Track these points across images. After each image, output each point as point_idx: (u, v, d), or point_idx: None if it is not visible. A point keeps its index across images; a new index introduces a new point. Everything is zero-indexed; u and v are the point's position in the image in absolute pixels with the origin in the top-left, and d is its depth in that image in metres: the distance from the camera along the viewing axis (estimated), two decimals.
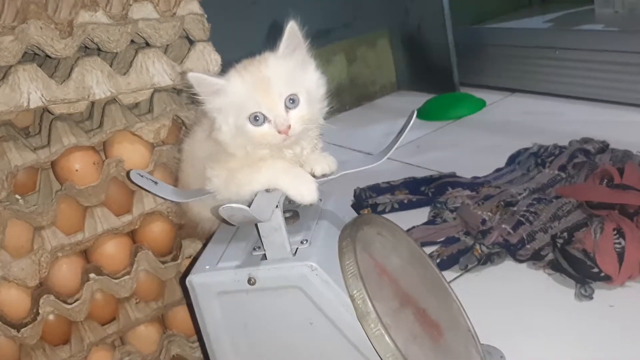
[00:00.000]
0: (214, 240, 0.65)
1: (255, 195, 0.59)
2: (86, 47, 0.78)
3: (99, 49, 0.76)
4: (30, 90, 0.68)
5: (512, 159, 1.34)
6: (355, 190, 1.33)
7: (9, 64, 0.68)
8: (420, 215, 1.21)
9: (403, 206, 1.25)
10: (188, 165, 0.70)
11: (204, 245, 0.66)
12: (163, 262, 0.81)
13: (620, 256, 0.86)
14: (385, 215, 1.24)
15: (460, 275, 0.99)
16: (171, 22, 0.76)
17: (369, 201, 1.27)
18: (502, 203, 1.12)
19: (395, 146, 0.64)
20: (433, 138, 1.66)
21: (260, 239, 0.59)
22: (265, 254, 0.59)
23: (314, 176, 0.62)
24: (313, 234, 0.62)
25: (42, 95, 0.69)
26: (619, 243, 0.87)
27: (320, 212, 0.67)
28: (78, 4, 0.70)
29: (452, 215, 1.14)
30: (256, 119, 0.59)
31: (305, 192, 0.59)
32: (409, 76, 2.10)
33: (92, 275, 0.77)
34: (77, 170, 0.74)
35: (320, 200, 0.70)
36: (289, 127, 0.59)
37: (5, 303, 0.73)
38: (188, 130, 0.73)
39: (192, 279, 0.60)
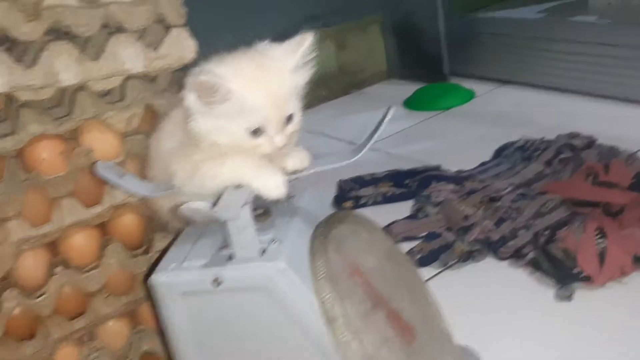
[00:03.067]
0: (182, 238, 0.63)
1: (224, 192, 0.56)
2: (57, 30, 0.75)
3: (69, 33, 0.73)
4: None
5: (499, 153, 1.32)
6: (338, 183, 1.31)
7: None
8: (404, 208, 1.19)
9: (386, 199, 1.23)
10: (155, 160, 0.67)
11: (172, 242, 0.63)
12: (134, 256, 0.79)
13: (602, 257, 0.84)
14: (368, 208, 1.23)
15: (441, 271, 0.97)
16: (144, 6, 0.73)
17: (351, 193, 1.25)
18: (486, 198, 1.10)
19: (370, 143, 0.61)
20: (420, 128, 1.64)
21: (228, 238, 0.57)
22: (232, 253, 0.57)
23: (285, 172, 0.60)
24: (284, 233, 0.60)
25: (7, 81, 0.66)
26: (601, 243, 0.85)
27: (293, 210, 0.65)
28: None
29: (434, 209, 1.12)
30: (256, 132, 0.56)
31: (271, 185, 0.57)
32: (399, 64, 2.08)
33: (58, 268, 0.74)
34: (44, 160, 0.71)
35: (294, 196, 0.67)
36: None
37: None
38: (160, 120, 0.71)
39: (156, 279, 0.58)
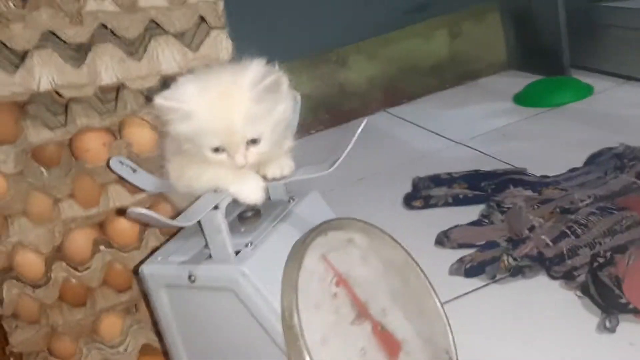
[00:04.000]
0: (182, 233, 0.67)
1: (198, 197, 0.59)
2: (107, 32, 0.82)
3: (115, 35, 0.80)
4: (42, 74, 0.74)
5: (592, 159, 1.21)
6: (413, 179, 1.28)
7: (25, 49, 0.74)
8: (475, 212, 1.14)
9: (458, 201, 1.18)
10: (163, 157, 0.72)
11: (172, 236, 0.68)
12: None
13: None
14: (437, 209, 1.19)
15: (486, 285, 0.92)
16: (181, 10, 0.78)
17: (423, 192, 1.22)
18: (558, 209, 1.02)
19: (343, 156, 0.60)
20: (523, 126, 1.54)
21: (205, 238, 0.60)
22: (211, 253, 0.60)
23: (265, 179, 0.61)
24: (264, 237, 0.61)
25: (53, 79, 0.74)
26: None
27: (285, 214, 0.66)
28: None
29: (501, 216, 1.06)
30: (216, 150, 0.59)
31: (247, 191, 0.59)
32: (519, 55, 1.95)
33: (102, 247, 0.83)
34: (87, 151, 0.79)
35: (292, 200, 0.68)
36: (246, 162, 0.59)
37: (21, 265, 0.81)
38: None
39: (143, 269, 0.62)
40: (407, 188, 1.28)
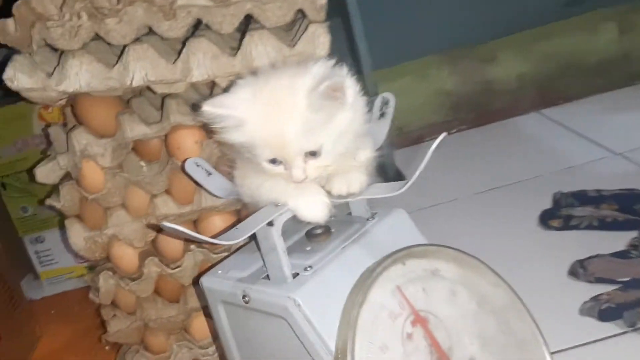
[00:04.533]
0: (249, 244, 0.62)
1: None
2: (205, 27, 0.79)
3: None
4: (136, 69, 0.73)
5: None
6: (554, 195, 1.12)
7: (121, 44, 0.73)
8: (623, 240, 0.96)
9: (604, 225, 1.00)
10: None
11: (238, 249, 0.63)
12: None
13: None
14: (579, 232, 1.02)
15: (623, 333, 0.76)
16: (276, 3, 0.73)
17: (563, 211, 1.06)
18: None
19: (416, 175, 0.50)
20: None
21: (262, 257, 0.54)
22: (268, 274, 0.54)
23: (330, 195, 0.54)
24: (329, 260, 0.54)
25: (146, 75, 0.73)
26: None
27: (360, 233, 0.57)
28: None
29: None
30: (272, 161, 0.53)
31: (306, 207, 0.52)
32: None
33: (192, 246, 0.81)
34: (179, 148, 0.77)
35: (371, 218, 0.60)
36: (306, 177, 0.52)
37: (116, 257, 0.82)
38: None
39: (203, 281, 0.58)
40: (547, 204, 1.12)
